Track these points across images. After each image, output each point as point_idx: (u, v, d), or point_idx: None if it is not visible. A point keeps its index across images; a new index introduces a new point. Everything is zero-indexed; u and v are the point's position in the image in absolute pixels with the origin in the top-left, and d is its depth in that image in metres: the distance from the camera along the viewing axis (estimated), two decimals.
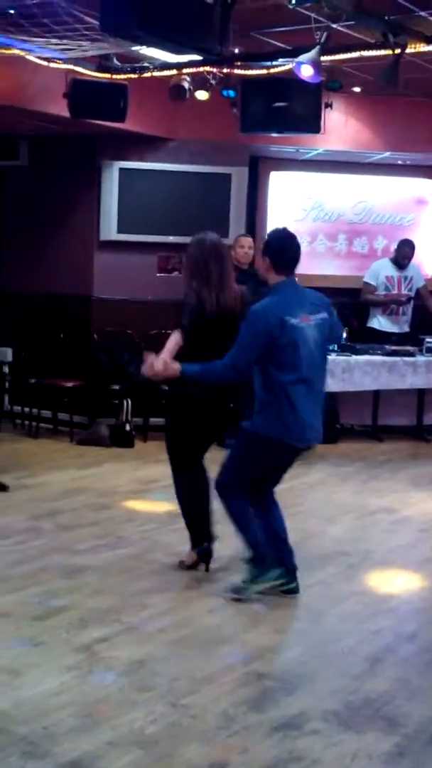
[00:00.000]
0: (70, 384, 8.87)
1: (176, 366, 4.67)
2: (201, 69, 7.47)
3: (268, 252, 4.64)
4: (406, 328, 9.39)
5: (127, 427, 8.63)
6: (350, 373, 8.21)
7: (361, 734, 3.36)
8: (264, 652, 4.08)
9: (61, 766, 3.07)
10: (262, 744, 3.26)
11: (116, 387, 8.85)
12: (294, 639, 4.32)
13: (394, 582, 5.11)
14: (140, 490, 7.01)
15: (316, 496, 6.81)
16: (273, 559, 4.70)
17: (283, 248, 4.62)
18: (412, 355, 8.58)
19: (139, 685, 3.70)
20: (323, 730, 3.38)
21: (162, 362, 4.71)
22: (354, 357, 8.33)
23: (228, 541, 5.61)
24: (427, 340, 8.83)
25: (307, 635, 4.30)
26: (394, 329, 9.34)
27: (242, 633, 4.37)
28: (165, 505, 6.55)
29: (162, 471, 7.58)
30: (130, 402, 8.71)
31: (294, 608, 4.61)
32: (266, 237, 4.83)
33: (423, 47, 6.35)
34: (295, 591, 4.72)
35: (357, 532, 6.02)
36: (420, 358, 8.60)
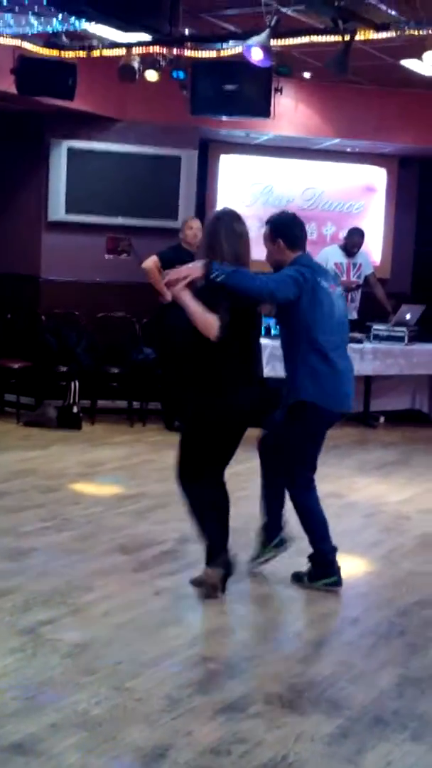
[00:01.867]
0: (17, 365, 8.78)
1: (199, 263, 4.26)
2: (151, 49, 7.40)
3: (278, 235, 4.61)
4: (354, 315, 9.43)
5: (75, 409, 8.57)
6: None
7: (304, 716, 3.39)
8: (209, 635, 4.10)
9: (4, 748, 3.05)
10: (206, 726, 3.27)
11: (64, 369, 8.79)
12: (240, 622, 4.34)
13: (340, 566, 5.14)
14: (87, 472, 6.97)
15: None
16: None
17: (293, 226, 4.67)
18: (359, 342, 8.63)
19: (84, 668, 3.69)
20: (267, 712, 3.40)
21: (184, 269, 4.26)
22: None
23: (174, 525, 5.63)
24: (375, 327, 8.89)
25: (253, 619, 4.32)
26: None
27: (188, 616, 4.37)
28: (112, 488, 6.54)
29: (109, 454, 7.59)
30: (77, 384, 8.65)
31: (240, 592, 4.62)
32: (268, 224, 4.67)
33: (373, 35, 6.37)
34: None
35: None
36: (367, 345, 8.66)
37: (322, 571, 4.68)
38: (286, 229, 4.65)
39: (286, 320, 4.65)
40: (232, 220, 4.45)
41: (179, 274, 4.23)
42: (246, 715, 3.37)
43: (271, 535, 4.87)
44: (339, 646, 4.08)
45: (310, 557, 4.72)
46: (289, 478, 4.76)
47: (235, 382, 4.37)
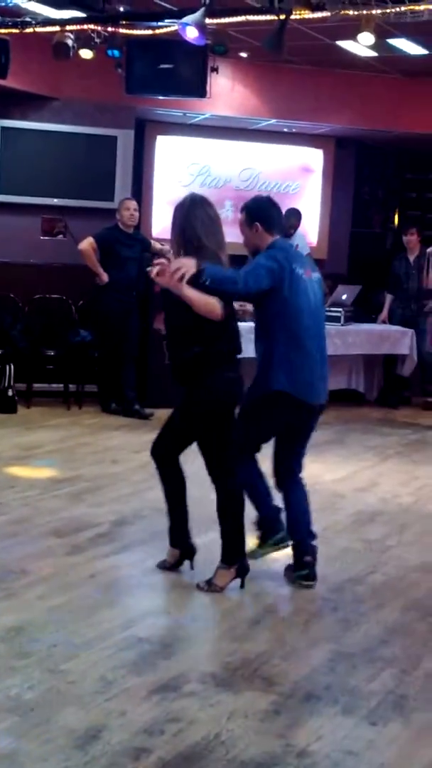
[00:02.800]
0: None
1: (191, 261, 4.14)
2: (85, 27, 7.32)
3: (255, 219, 4.45)
4: None
5: (10, 392, 8.47)
6: None
7: (238, 694, 3.41)
8: (144, 616, 4.09)
9: None
10: (140, 707, 3.28)
11: None
12: (174, 603, 4.34)
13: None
14: (22, 456, 6.91)
15: (200, 462, 6.85)
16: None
17: (269, 209, 4.53)
18: None
19: (17, 651, 3.66)
20: (200, 691, 3.41)
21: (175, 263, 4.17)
22: (238, 324, 8.35)
23: (110, 507, 5.62)
24: None
25: (187, 599, 4.33)
26: None
27: (122, 598, 4.37)
28: (47, 471, 6.49)
29: (45, 437, 7.53)
30: (12, 367, 8.55)
31: (175, 572, 4.63)
32: (243, 210, 4.56)
33: (308, 14, 6.37)
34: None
35: None
36: None
37: (296, 563, 4.57)
38: (262, 212, 4.49)
39: (263, 307, 4.47)
40: (204, 205, 4.39)
41: (170, 269, 4.15)
42: (180, 695, 3.38)
43: (270, 531, 4.61)
44: (273, 624, 4.11)
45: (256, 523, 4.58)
46: (236, 455, 4.50)
47: (228, 363, 4.37)
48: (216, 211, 4.43)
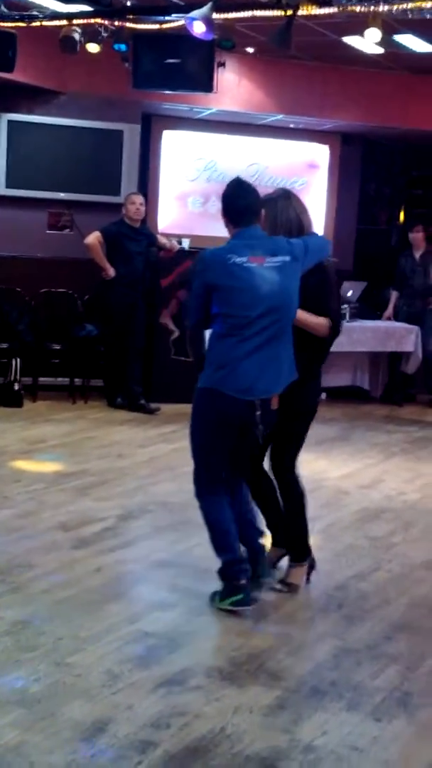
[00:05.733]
0: None
1: None
2: (92, 20, 7.31)
3: (223, 212, 4.12)
4: None
5: (16, 387, 8.48)
6: None
7: (243, 689, 3.42)
8: (150, 610, 4.11)
9: None
10: (146, 700, 3.29)
11: (5, 345, 8.69)
12: (180, 597, 4.35)
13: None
14: (28, 450, 6.92)
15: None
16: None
17: (234, 197, 4.09)
18: None
19: (24, 644, 3.68)
20: (206, 685, 3.43)
21: None
22: None
23: (116, 502, 5.63)
24: None
25: (192, 593, 4.34)
26: None
27: (128, 592, 4.38)
28: (53, 466, 6.51)
29: (50, 431, 7.54)
30: (19, 361, 8.56)
31: (179, 566, 4.64)
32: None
33: (315, 10, 6.37)
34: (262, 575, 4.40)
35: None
36: None
37: (227, 587, 4.14)
38: (226, 202, 4.11)
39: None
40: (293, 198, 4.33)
41: None
42: (185, 689, 3.39)
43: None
44: (278, 619, 4.12)
45: (218, 572, 4.19)
46: (194, 476, 4.25)
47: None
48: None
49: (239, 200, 4.09)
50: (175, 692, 3.36)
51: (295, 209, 4.28)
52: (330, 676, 3.57)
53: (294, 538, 4.47)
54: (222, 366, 4.02)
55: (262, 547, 4.44)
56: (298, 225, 4.25)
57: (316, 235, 4.40)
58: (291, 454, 4.42)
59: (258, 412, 4.02)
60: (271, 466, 4.44)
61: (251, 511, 4.46)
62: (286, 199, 4.29)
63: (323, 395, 9.51)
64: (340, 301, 4.65)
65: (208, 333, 4.17)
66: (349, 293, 9.19)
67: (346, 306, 8.94)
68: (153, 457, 6.88)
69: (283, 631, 3.99)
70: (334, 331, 4.33)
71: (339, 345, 8.86)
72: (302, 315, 4.19)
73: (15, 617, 3.92)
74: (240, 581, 4.10)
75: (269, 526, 4.58)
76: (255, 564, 4.30)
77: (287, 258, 4.04)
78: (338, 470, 6.79)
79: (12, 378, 8.51)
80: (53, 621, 3.92)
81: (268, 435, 4.21)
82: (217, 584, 4.17)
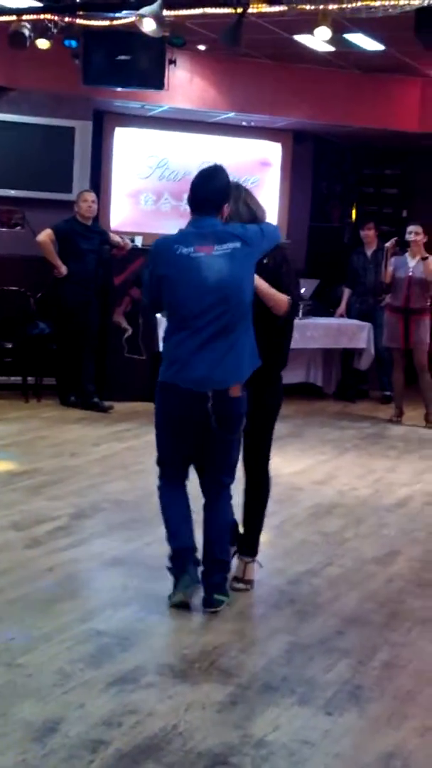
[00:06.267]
0: None
1: None
2: (42, 16, 7.25)
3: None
4: None
5: None
6: None
7: (195, 686, 3.43)
8: (102, 609, 4.09)
9: None
10: (98, 699, 3.28)
11: None
12: (132, 596, 4.34)
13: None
14: None
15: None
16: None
17: (197, 186, 4.08)
18: None
19: None
20: (158, 683, 3.43)
21: None
22: None
23: (68, 501, 5.60)
24: None
25: (145, 591, 4.33)
26: None
27: (81, 591, 4.36)
28: (5, 464, 6.46)
29: (3, 430, 7.47)
30: None
31: (132, 565, 4.63)
32: None
33: (265, 8, 6.38)
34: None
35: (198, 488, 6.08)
36: None
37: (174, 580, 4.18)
38: (191, 188, 4.10)
39: None
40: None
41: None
42: (138, 687, 3.39)
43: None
44: (231, 616, 4.13)
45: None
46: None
47: None
48: None
49: (200, 190, 4.08)
50: (127, 690, 3.35)
51: (245, 202, 4.29)
52: (282, 672, 3.59)
53: (256, 534, 4.50)
54: (175, 361, 4.03)
55: (228, 564, 4.28)
56: (251, 218, 4.25)
57: (268, 223, 4.40)
58: (267, 447, 4.49)
59: (210, 403, 4.00)
60: (246, 461, 4.45)
61: (228, 528, 4.29)
62: (236, 190, 4.29)
63: None
64: (298, 284, 4.64)
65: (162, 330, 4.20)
66: (302, 290, 9.22)
67: (299, 303, 8.96)
68: (106, 455, 6.85)
69: (235, 627, 4.00)
70: (293, 309, 4.33)
71: (293, 342, 8.97)
72: (265, 287, 4.18)
73: None
74: (178, 573, 4.14)
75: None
76: (208, 576, 4.19)
77: (237, 244, 4.00)
78: (291, 466, 6.82)
79: None
80: (4, 621, 3.90)
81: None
82: (169, 583, 4.17)
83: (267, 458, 4.52)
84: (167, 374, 4.06)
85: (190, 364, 4.00)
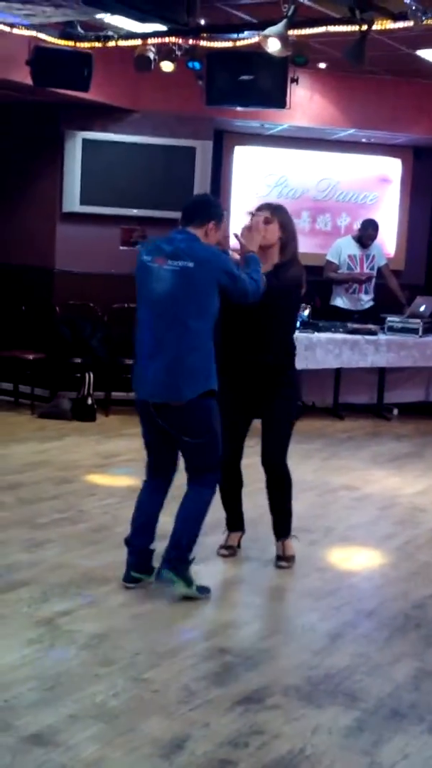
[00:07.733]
0: (31, 356, 8.79)
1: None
2: (166, 39, 7.38)
3: None
4: (368, 307, 9.43)
5: (89, 401, 8.58)
6: (312, 350, 8.24)
7: (321, 709, 3.39)
8: (226, 627, 4.10)
9: (23, 739, 3.07)
10: (223, 718, 3.28)
11: (78, 360, 8.79)
12: (256, 615, 4.35)
13: (354, 559, 5.16)
14: (102, 464, 6.99)
15: None
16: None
17: (188, 200, 4.58)
18: (373, 333, 8.62)
19: (101, 659, 3.70)
20: (284, 704, 3.41)
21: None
22: (316, 334, 8.36)
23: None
24: (389, 318, 8.88)
25: (268, 611, 4.33)
26: (357, 307, 9.37)
27: (204, 608, 4.38)
28: (126, 480, 6.55)
29: (124, 445, 7.59)
30: (92, 375, 8.66)
31: (256, 584, 4.63)
32: None
33: (389, 24, 6.32)
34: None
35: (318, 509, 6.06)
36: (381, 337, 8.64)
37: None
38: None
39: None
40: None
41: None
42: (263, 707, 3.38)
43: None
44: (354, 639, 4.08)
45: None
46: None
47: None
48: None
49: (187, 203, 4.45)
50: (252, 710, 3.35)
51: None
52: (410, 698, 3.52)
53: (284, 518, 4.86)
54: (136, 366, 4.36)
55: (183, 551, 4.42)
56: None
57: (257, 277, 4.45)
58: (286, 441, 4.78)
59: (156, 415, 4.25)
60: (268, 460, 4.72)
61: (193, 518, 4.55)
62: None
63: (395, 411, 9.46)
64: (299, 286, 4.93)
65: None
66: (422, 308, 9.09)
67: (419, 321, 8.85)
68: None
69: (359, 650, 3.94)
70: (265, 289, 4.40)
71: (413, 360, 8.84)
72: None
73: (92, 631, 3.95)
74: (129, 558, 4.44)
75: (235, 517, 5.00)
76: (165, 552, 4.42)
77: (190, 264, 4.12)
78: (412, 487, 6.71)
79: (85, 392, 8.61)
80: (130, 635, 3.95)
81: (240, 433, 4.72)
82: (290, 602, 4.14)
83: (284, 451, 4.75)
84: (133, 380, 4.36)
85: (141, 375, 4.30)
